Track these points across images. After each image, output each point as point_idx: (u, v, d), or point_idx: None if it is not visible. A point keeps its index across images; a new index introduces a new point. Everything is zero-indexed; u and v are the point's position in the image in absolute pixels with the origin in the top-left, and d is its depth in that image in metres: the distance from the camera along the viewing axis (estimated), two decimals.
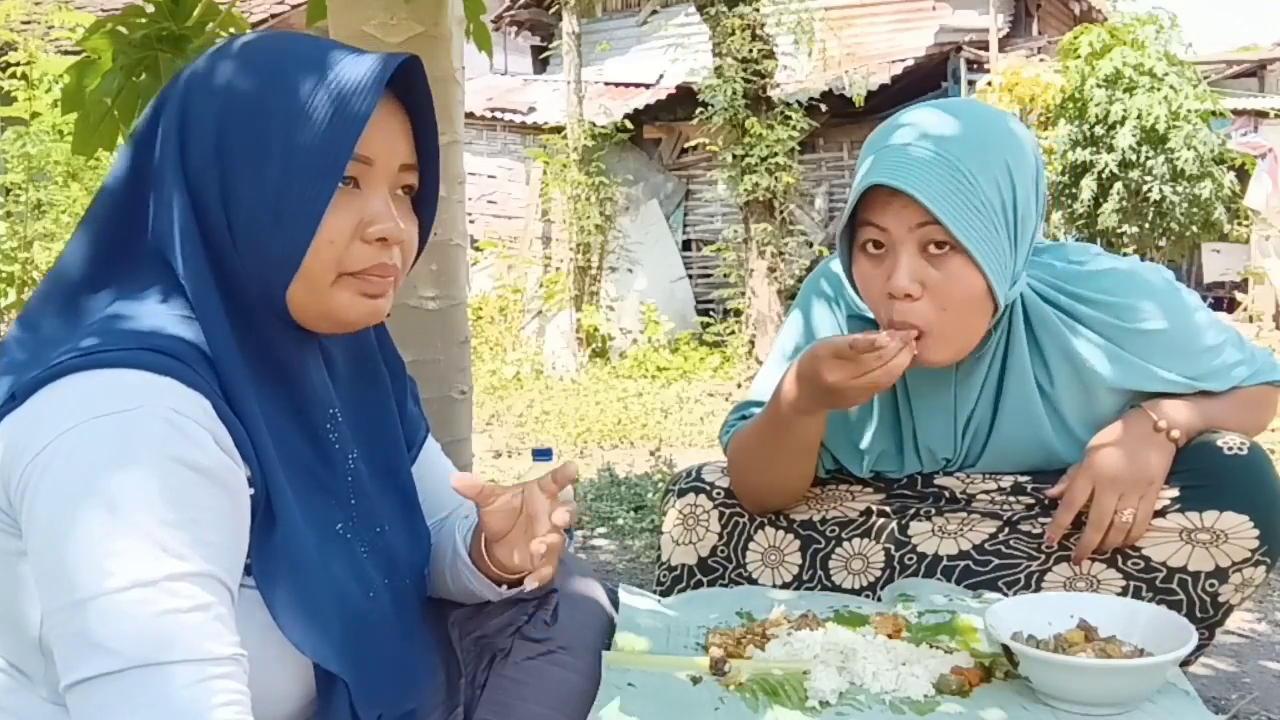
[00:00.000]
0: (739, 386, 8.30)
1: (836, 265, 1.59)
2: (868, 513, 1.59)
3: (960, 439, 1.54)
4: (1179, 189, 8.95)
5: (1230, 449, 1.43)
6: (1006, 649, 1.19)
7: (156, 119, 1.02)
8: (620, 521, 3.17)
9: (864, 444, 1.57)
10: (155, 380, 0.90)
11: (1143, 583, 1.45)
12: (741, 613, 1.42)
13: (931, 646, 1.27)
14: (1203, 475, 1.42)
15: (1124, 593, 1.45)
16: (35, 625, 0.90)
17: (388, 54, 1.03)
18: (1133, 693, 1.15)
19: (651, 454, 5.05)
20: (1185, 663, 1.34)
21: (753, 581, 1.60)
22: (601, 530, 3.12)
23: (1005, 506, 1.54)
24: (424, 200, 1.11)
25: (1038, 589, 1.48)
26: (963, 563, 1.52)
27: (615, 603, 1.32)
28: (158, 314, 0.96)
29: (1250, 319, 9.85)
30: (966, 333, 1.41)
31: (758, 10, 8.89)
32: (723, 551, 1.61)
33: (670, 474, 3.49)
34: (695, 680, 1.20)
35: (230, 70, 1.00)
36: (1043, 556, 1.50)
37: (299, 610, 0.97)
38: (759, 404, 1.60)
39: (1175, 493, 1.43)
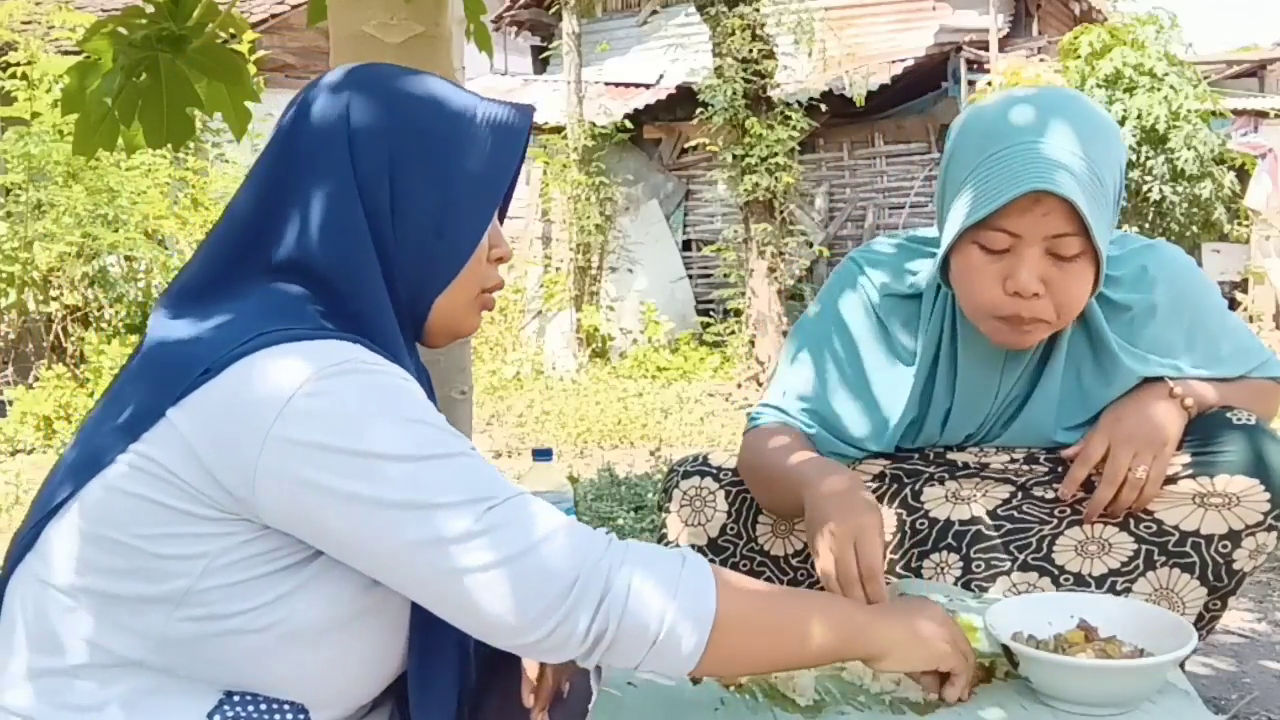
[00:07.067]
0: (739, 386, 8.30)
1: (863, 254, 1.60)
2: (880, 477, 1.60)
3: (991, 418, 1.55)
4: (1179, 189, 8.95)
5: (1239, 419, 1.46)
6: (1006, 649, 1.19)
7: (291, 144, 1.06)
8: (620, 521, 3.17)
9: (893, 420, 1.55)
10: (368, 351, 0.97)
11: (1155, 546, 1.45)
12: None
13: None
14: (1214, 442, 1.45)
15: (1135, 556, 1.46)
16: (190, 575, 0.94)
17: (514, 104, 1.13)
18: (1133, 693, 1.15)
19: (651, 454, 5.06)
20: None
21: (765, 554, 1.61)
22: (601, 530, 3.12)
23: (1019, 474, 1.55)
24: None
25: (1049, 553, 1.49)
26: (974, 528, 1.53)
27: None
28: (308, 320, 0.99)
29: (1250, 319, 9.83)
30: (1072, 318, 1.43)
31: (758, 10, 8.87)
32: (733, 529, 1.62)
33: None
34: (695, 680, 1.20)
35: (388, 94, 1.07)
36: (1055, 520, 1.50)
37: None
38: (777, 408, 1.59)
39: (1187, 459, 1.45)
